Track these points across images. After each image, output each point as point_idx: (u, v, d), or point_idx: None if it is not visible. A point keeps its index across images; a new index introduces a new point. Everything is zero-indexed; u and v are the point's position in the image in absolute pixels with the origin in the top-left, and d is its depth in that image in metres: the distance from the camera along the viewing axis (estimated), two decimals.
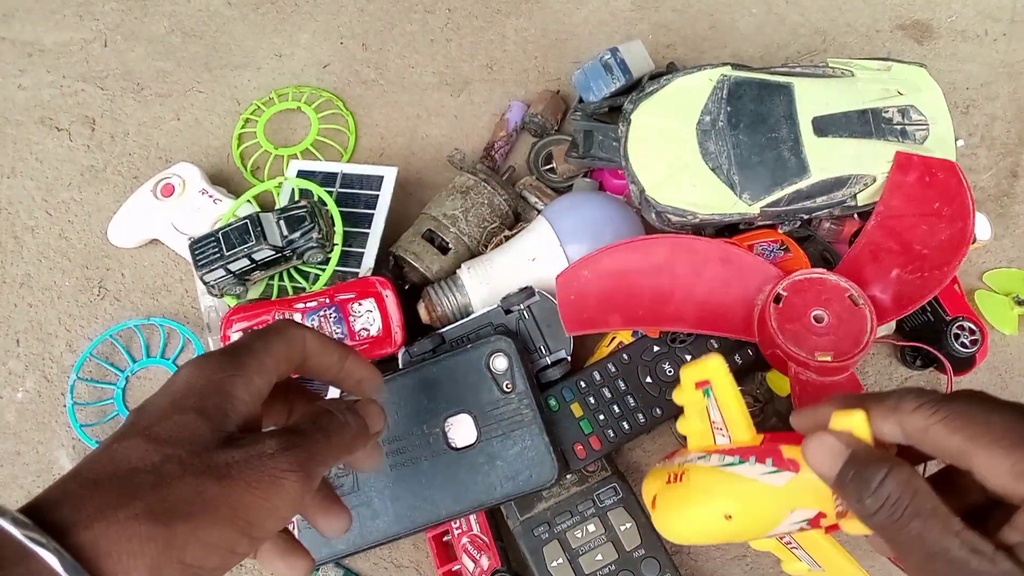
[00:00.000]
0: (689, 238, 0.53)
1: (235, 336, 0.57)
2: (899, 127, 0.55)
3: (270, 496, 0.27)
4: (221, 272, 0.58)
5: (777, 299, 0.49)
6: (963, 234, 0.51)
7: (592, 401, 0.52)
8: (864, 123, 0.55)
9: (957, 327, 0.54)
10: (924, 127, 0.56)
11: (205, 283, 0.58)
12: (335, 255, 0.59)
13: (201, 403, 0.29)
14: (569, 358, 0.55)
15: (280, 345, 0.33)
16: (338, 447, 0.32)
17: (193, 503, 0.25)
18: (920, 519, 0.27)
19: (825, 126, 0.55)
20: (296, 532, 0.51)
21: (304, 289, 0.60)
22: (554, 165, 0.65)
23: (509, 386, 0.51)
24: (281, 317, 0.57)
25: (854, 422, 0.31)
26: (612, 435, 0.51)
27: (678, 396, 0.42)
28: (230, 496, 0.26)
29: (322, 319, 0.56)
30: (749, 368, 0.53)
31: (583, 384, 0.53)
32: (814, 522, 0.36)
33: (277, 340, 0.33)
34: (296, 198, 0.63)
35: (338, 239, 0.60)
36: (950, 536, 0.26)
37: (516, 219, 0.62)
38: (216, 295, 0.60)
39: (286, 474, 0.28)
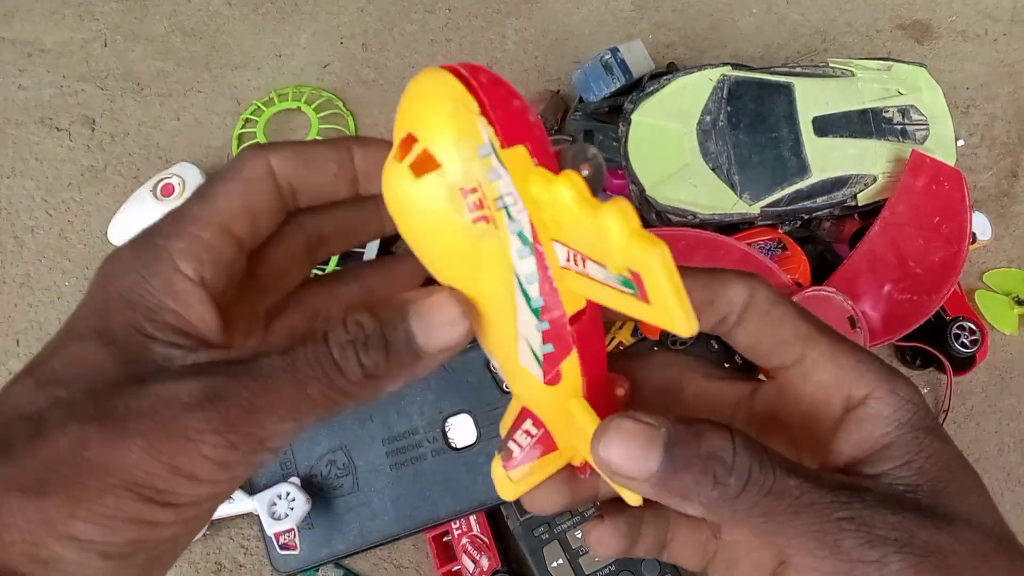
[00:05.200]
0: (711, 235, 0.54)
1: None
2: (899, 127, 0.55)
3: (177, 460, 0.19)
4: None
5: None
6: (955, 259, 0.52)
7: None
8: (864, 123, 0.55)
9: (957, 327, 0.54)
10: (924, 127, 0.56)
11: None
12: (335, 256, 0.59)
13: (105, 323, 0.20)
14: None
15: (228, 193, 0.22)
16: (314, 401, 0.20)
17: (73, 463, 0.18)
18: (796, 476, 0.20)
19: (825, 126, 0.55)
20: (296, 536, 0.51)
21: None
22: None
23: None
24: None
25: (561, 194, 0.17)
26: None
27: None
28: (121, 456, 0.18)
29: None
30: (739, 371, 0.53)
31: None
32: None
33: (223, 186, 0.22)
34: None
35: None
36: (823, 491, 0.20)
37: None
38: None
39: (201, 435, 0.19)
